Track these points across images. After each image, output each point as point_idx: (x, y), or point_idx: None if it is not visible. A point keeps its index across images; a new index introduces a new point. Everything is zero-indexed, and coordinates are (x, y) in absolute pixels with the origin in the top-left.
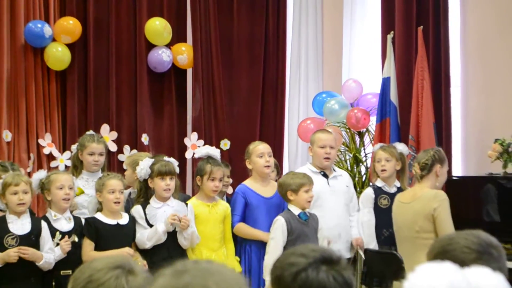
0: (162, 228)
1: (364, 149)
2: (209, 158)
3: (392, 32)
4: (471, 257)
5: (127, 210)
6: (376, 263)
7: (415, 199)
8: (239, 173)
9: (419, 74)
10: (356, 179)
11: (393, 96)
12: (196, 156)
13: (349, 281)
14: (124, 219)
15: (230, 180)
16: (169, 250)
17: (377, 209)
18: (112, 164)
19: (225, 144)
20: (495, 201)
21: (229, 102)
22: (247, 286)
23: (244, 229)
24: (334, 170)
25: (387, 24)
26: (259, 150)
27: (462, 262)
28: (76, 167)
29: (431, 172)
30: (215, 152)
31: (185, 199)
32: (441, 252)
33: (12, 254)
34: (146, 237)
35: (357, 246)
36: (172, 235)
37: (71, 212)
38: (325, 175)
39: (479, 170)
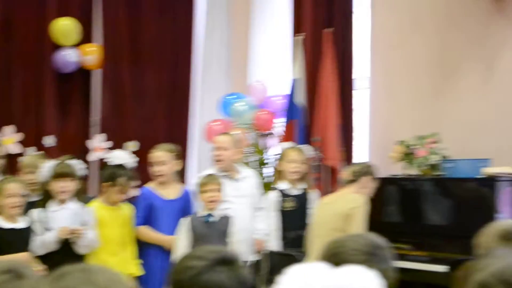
0: (51, 238)
1: (270, 150)
2: (122, 168)
3: (301, 34)
4: (360, 259)
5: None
6: (280, 265)
7: (337, 200)
8: (146, 174)
9: (326, 76)
10: (262, 180)
11: (300, 97)
12: (111, 162)
13: (246, 280)
14: (22, 223)
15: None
16: (68, 255)
17: (282, 212)
18: (15, 166)
19: (132, 145)
20: (397, 202)
21: (137, 103)
22: (127, 285)
23: (146, 233)
24: (241, 172)
25: (297, 26)
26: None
27: (352, 264)
28: None
29: (359, 181)
30: (130, 161)
31: (87, 201)
32: (332, 255)
33: None
34: (37, 244)
35: (258, 248)
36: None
37: None
38: (231, 178)
39: (383, 172)
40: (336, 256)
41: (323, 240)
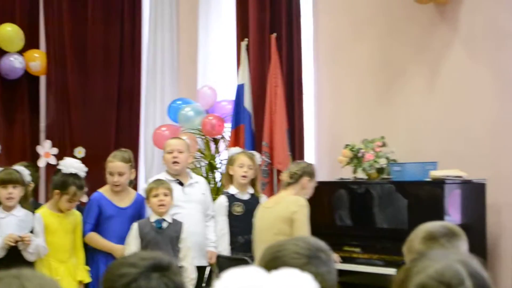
0: None
1: (219, 155)
2: (74, 177)
3: (247, 39)
4: (301, 262)
5: None
6: (229, 270)
7: (277, 204)
8: (94, 181)
9: (272, 81)
10: (211, 185)
11: (248, 102)
12: (63, 170)
13: (180, 286)
14: None
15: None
16: (16, 262)
17: (231, 216)
18: None
19: (79, 151)
20: (347, 206)
21: (84, 109)
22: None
23: (95, 239)
24: (191, 177)
25: (242, 31)
26: (109, 168)
27: (292, 268)
28: None
29: (298, 183)
30: (82, 170)
31: (37, 208)
32: (272, 259)
33: None
34: None
35: (210, 260)
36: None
37: None
38: (181, 183)
39: (332, 176)
40: (276, 260)
41: (268, 245)
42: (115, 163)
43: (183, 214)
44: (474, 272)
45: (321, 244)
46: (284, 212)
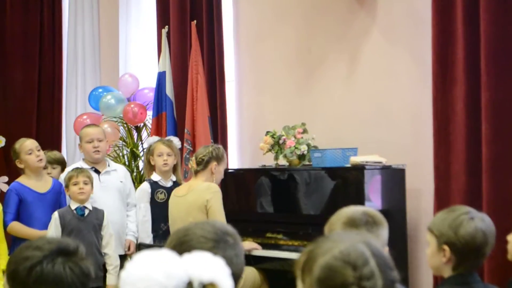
0: None
1: (142, 143)
2: None
3: (167, 26)
4: (208, 246)
5: None
6: None
7: (189, 192)
8: (15, 170)
9: (193, 69)
10: (134, 174)
11: (169, 90)
12: None
13: (86, 272)
14: None
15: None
16: None
17: (154, 203)
18: None
19: (0, 141)
20: (269, 193)
21: (3, 98)
22: None
23: (19, 228)
24: (109, 165)
25: (162, 19)
26: (27, 147)
27: (199, 251)
28: None
29: (206, 168)
30: None
31: None
32: (178, 244)
33: None
34: None
35: (130, 250)
36: None
37: None
38: (97, 171)
39: (254, 163)
40: (183, 244)
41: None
42: (27, 141)
43: (100, 203)
44: (377, 252)
45: (228, 228)
46: (198, 201)
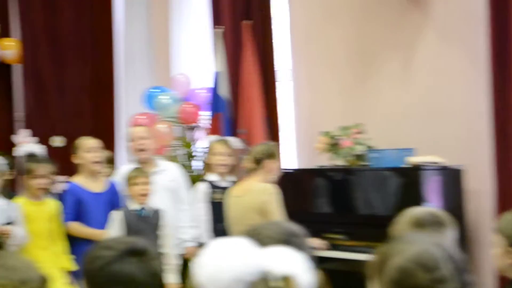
0: None
1: (196, 143)
2: (31, 156)
3: (221, 26)
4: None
5: None
6: None
7: (246, 193)
8: (74, 170)
9: (247, 69)
10: (190, 173)
11: (224, 90)
12: (16, 154)
13: (156, 271)
14: None
15: (57, 178)
16: None
17: (211, 203)
18: None
19: (58, 140)
20: (325, 193)
21: (60, 98)
22: (37, 269)
23: (77, 228)
24: (158, 165)
25: (215, 19)
26: (87, 145)
27: None
28: None
29: (262, 167)
30: (35, 149)
31: (13, 198)
32: None
33: None
34: None
35: (189, 256)
36: None
37: None
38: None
39: (309, 163)
40: None
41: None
42: (88, 140)
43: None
44: (450, 255)
45: (295, 228)
46: (255, 203)
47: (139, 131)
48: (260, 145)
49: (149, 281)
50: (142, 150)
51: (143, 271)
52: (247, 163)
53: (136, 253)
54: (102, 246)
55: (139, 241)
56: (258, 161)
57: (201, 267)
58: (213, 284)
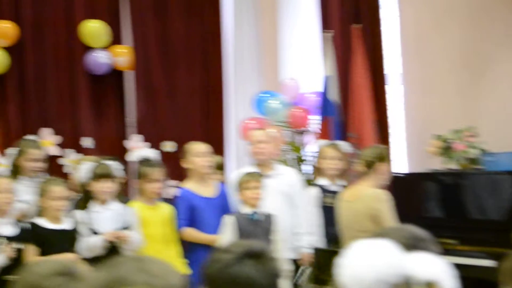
0: (97, 242)
1: (305, 147)
2: (145, 160)
3: (330, 30)
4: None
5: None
6: (323, 261)
7: (357, 198)
8: (184, 175)
9: (357, 73)
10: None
11: (334, 94)
12: (131, 159)
13: (275, 272)
14: (66, 224)
15: (168, 182)
16: (111, 254)
17: (322, 207)
18: (54, 168)
19: (168, 146)
20: (438, 197)
21: (171, 104)
22: (178, 274)
23: (192, 234)
24: (275, 169)
25: (324, 23)
26: (197, 150)
27: None
28: (14, 172)
29: (373, 170)
30: (150, 153)
31: (126, 202)
32: None
33: None
34: (83, 247)
35: (304, 262)
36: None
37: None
38: (264, 174)
39: (421, 167)
40: None
41: (355, 242)
42: (198, 145)
43: (265, 206)
44: None
45: (422, 233)
46: (366, 209)
47: (259, 134)
48: (371, 148)
49: (267, 283)
50: (260, 153)
51: (261, 273)
52: (358, 166)
53: (253, 255)
54: (220, 250)
55: (256, 244)
56: (369, 165)
57: (345, 268)
58: (355, 285)
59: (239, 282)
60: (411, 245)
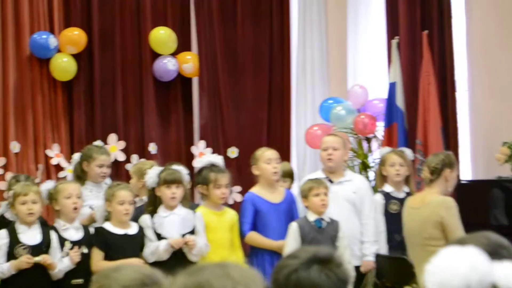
0: (163, 247)
1: (372, 154)
2: (212, 166)
3: (397, 37)
4: None
5: (135, 219)
6: (387, 269)
7: (424, 205)
8: (248, 181)
9: (425, 79)
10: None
11: (400, 101)
12: (197, 165)
13: (343, 278)
14: (132, 229)
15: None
16: (177, 259)
17: (387, 214)
18: (120, 173)
19: (233, 152)
20: (504, 205)
21: (236, 110)
22: (261, 280)
23: (256, 238)
24: (344, 176)
25: (392, 29)
26: (267, 156)
27: None
28: (79, 177)
29: (440, 177)
30: (217, 159)
31: (193, 208)
32: None
33: (25, 259)
34: (149, 252)
35: (366, 270)
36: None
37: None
38: (330, 181)
39: (487, 174)
40: None
41: (422, 249)
42: (267, 151)
43: (332, 212)
44: None
45: (503, 240)
46: (433, 216)
47: (330, 140)
48: (439, 155)
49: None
50: (330, 160)
51: (328, 278)
52: (425, 173)
53: (321, 261)
54: (288, 256)
55: (324, 250)
56: (436, 171)
57: (432, 275)
58: None
59: (305, 287)
60: (493, 252)
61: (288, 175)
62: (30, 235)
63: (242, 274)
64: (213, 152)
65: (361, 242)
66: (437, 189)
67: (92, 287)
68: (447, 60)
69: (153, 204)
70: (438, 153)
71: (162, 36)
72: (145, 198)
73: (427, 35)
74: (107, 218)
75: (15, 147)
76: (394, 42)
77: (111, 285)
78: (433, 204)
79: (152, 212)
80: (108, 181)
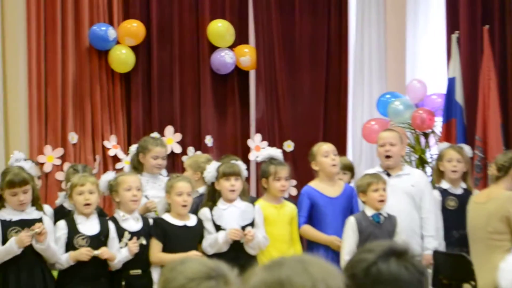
0: (222, 239)
1: (430, 150)
2: (271, 159)
3: (457, 31)
4: None
5: (194, 211)
6: (445, 265)
7: (490, 200)
8: (303, 174)
9: (485, 74)
10: None
11: (459, 96)
12: (258, 159)
13: (421, 269)
14: (191, 221)
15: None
16: (236, 252)
17: (444, 211)
18: (176, 165)
19: (289, 145)
20: None
21: (292, 104)
22: (340, 275)
23: (310, 232)
24: (402, 169)
25: (452, 24)
26: (324, 150)
27: None
28: (136, 168)
29: (508, 174)
30: (276, 153)
31: (251, 202)
32: None
33: (84, 252)
34: (208, 244)
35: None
36: None
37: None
38: (388, 174)
39: None
40: None
41: (484, 244)
42: (324, 145)
43: (387, 206)
44: None
45: None
46: (499, 210)
47: (388, 136)
48: (508, 153)
49: (412, 280)
50: (388, 156)
51: (405, 270)
52: (491, 170)
53: (397, 253)
54: (363, 250)
55: (398, 243)
56: (504, 168)
57: (506, 271)
58: None
59: (385, 280)
60: None
61: (348, 168)
62: (89, 226)
63: (322, 270)
64: (269, 146)
65: (421, 237)
66: (503, 186)
67: (159, 280)
68: (508, 55)
69: (212, 198)
70: (508, 151)
71: (220, 29)
72: (200, 190)
73: (488, 30)
74: (167, 210)
75: (73, 138)
76: (454, 36)
77: (177, 278)
78: (501, 199)
79: (211, 206)
80: (164, 172)
